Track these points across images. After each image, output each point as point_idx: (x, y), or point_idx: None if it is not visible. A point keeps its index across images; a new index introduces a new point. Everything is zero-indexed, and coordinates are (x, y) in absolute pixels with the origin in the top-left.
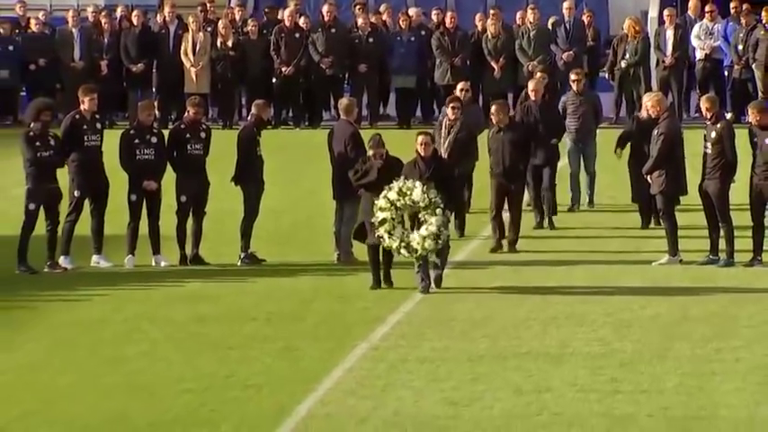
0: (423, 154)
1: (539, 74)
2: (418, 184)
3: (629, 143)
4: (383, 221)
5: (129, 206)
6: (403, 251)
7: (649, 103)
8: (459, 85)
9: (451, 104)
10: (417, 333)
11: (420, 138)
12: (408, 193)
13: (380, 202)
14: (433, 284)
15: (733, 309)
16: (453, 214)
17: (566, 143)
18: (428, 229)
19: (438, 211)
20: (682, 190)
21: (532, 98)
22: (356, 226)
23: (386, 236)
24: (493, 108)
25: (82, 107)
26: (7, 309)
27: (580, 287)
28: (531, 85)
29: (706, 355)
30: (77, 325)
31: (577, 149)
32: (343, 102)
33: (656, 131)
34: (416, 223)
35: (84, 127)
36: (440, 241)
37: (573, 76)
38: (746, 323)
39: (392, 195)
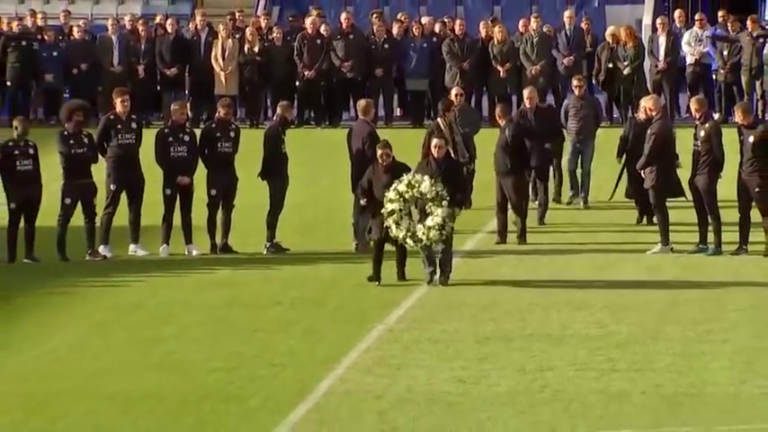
0: (436, 156)
1: (527, 90)
2: (426, 177)
3: (628, 144)
4: (392, 212)
5: (164, 199)
6: (409, 241)
7: (647, 105)
8: (453, 91)
9: (445, 108)
10: (429, 316)
11: (435, 141)
12: (417, 185)
13: (390, 194)
14: (439, 285)
15: (721, 294)
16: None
17: (567, 144)
18: (434, 220)
19: (444, 203)
20: (671, 185)
21: (527, 105)
22: (368, 227)
23: (393, 226)
24: (497, 110)
25: (116, 108)
26: (51, 294)
27: (579, 274)
28: (525, 92)
29: (695, 337)
30: (115, 309)
31: (576, 150)
32: (362, 103)
33: (649, 131)
34: (423, 216)
35: (119, 126)
36: (444, 232)
37: (575, 82)
38: (733, 307)
39: (401, 187)
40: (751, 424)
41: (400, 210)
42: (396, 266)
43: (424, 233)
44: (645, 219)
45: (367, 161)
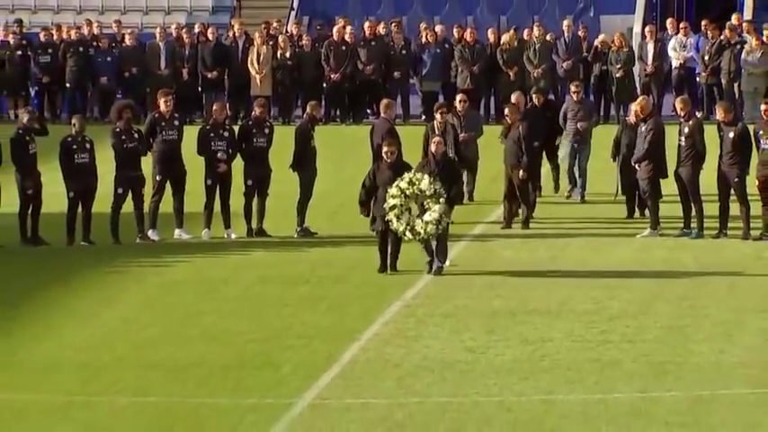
0: (435, 152)
1: (515, 95)
2: (426, 176)
3: (621, 145)
4: (393, 207)
5: (206, 189)
6: (408, 233)
7: (639, 105)
8: (458, 97)
9: (440, 110)
10: (442, 293)
11: (436, 138)
12: (417, 182)
13: (392, 190)
14: (432, 275)
15: (702, 273)
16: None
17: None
18: (431, 215)
19: (441, 200)
20: (664, 175)
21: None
22: (370, 219)
23: (394, 219)
24: (506, 110)
25: (160, 108)
26: (107, 273)
27: (576, 256)
28: (513, 97)
29: (680, 312)
30: (163, 286)
31: (574, 149)
32: (384, 102)
33: (644, 128)
34: (422, 211)
35: (163, 123)
36: (440, 227)
37: (573, 88)
38: (714, 285)
39: (403, 185)
40: (730, 389)
41: (401, 205)
42: (389, 258)
43: (422, 227)
44: (637, 212)
45: None
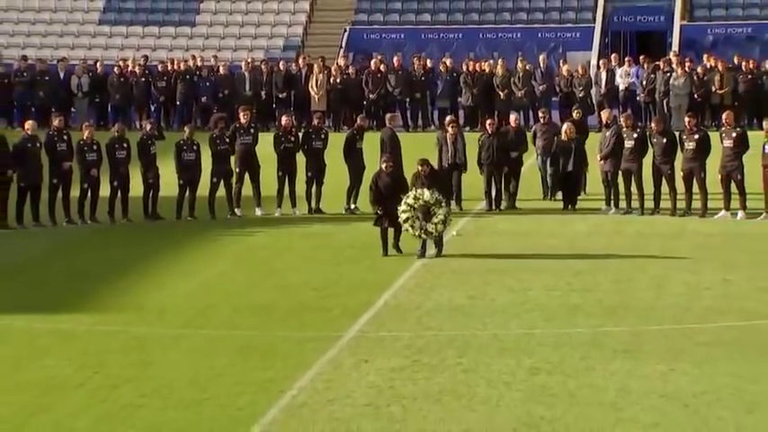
0: (423, 174)
1: (488, 121)
2: (426, 190)
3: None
4: (407, 219)
5: (278, 178)
6: (423, 235)
7: (604, 115)
8: (447, 118)
9: (451, 124)
10: (450, 256)
11: (420, 168)
12: (420, 197)
13: (402, 206)
14: (435, 257)
15: (643, 240)
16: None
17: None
18: (437, 218)
19: (443, 205)
20: (620, 167)
21: (488, 129)
22: (375, 219)
23: (410, 228)
24: (488, 121)
25: (240, 119)
26: (205, 240)
27: (549, 228)
28: (489, 127)
29: (627, 267)
30: (246, 251)
31: (543, 161)
32: (388, 116)
33: (608, 133)
34: (427, 215)
35: (242, 131)
36: (446, 224)
37: (540, 114)
38: (650, 249)
39: (410, 201)
40: (661, 325)
41: (411, 216)
42: (385, 244)
43: (433, 228)
44: (570, 206)
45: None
